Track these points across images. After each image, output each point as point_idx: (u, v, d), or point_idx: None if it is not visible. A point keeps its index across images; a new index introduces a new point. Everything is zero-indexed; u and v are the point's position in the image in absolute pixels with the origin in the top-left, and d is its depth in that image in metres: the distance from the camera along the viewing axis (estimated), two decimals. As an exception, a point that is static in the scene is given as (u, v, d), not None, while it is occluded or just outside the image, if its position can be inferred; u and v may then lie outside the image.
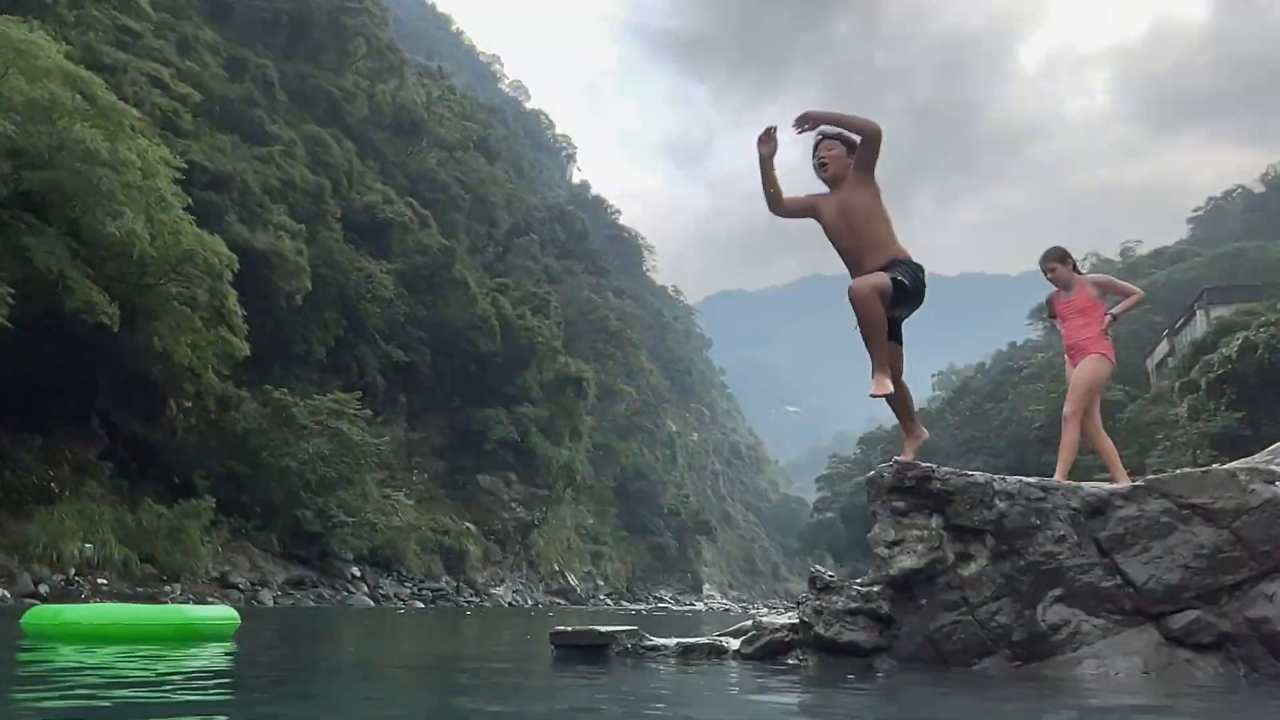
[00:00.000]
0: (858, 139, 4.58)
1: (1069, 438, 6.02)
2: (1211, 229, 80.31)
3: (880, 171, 4.65)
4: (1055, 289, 6.35)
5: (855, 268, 4.65)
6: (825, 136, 4.71)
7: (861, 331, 4.43)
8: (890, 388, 4.47)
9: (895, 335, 4.81)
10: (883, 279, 4.41)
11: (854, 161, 4.59)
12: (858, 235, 4.64)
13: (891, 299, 4.43)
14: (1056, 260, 6.29)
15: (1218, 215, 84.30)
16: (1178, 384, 35.43)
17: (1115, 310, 6.11)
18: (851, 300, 4.38)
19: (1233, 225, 76.29)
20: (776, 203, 4.87)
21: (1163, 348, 49.01)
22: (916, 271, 4.60)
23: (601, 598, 52.96)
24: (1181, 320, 46.59)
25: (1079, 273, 6.30)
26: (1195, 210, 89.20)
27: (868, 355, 4.45)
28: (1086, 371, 6.07)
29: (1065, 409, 6.11)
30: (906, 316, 4.81)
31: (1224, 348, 31.18)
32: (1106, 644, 4.27)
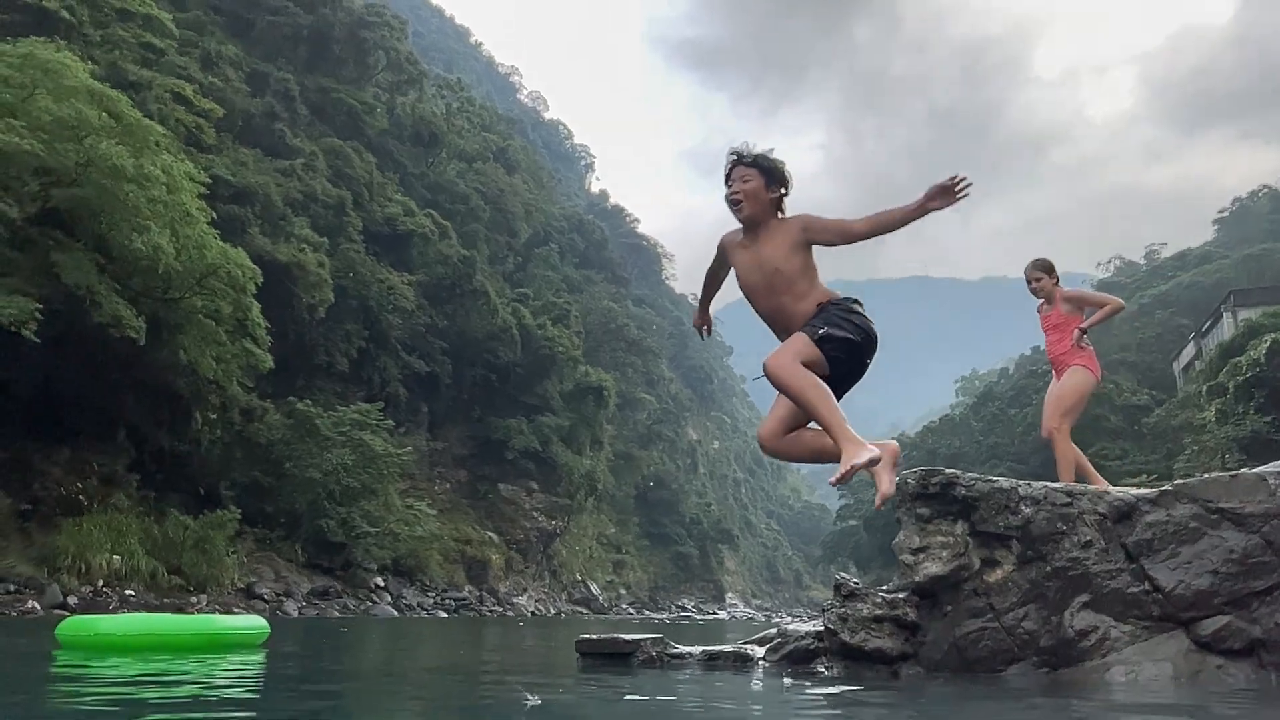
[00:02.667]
0: (780, 168, 3.59)
1: (1064, 451, 6.02)
2: (1238, 230, 79.39)
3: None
4: (1040, 301, 6.39)
5: (781, 331, 3.57)
6: (740, 162, 3.60)
7: (801, 408, 3.34)
8: (873, 450, 3.22)
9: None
10: (802, 345, 3.30)
11: (802, 226, 3.50)
12: (776, 294, 3.54)
13: (829, 355, 3.31)
14: (1042, 271, 6.33)
15: (1244, 216, 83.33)
16: (1205, 387, 35.02)
17: (1084, 324, 6.10)
18: (770, 380, 3.31)
19: (1259, 226, 75.38)
20: (704, 307, 4.15)
21: (1189, 351, 48.48)
22: (851, 312, 3.44)
23: (624, 607, 52.91)
24: (1208, 323, 46.09)
25: (1058, 287, 6.33)
26: (1221, 212, 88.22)
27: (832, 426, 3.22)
28: (1068, 386, 6.09)
29: (1048, 424, 6.10)
30: (862, 375, 3.54)
31: (1252, 350, 30.81)
32: (1135, 650, 4.24)
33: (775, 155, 3.58)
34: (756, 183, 3.53)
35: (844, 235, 3.41)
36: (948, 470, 4.86)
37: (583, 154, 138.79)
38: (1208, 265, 67.57)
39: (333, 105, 45.91)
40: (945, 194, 3.21)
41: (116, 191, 19.56)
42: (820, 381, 3.23)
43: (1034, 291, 6.35)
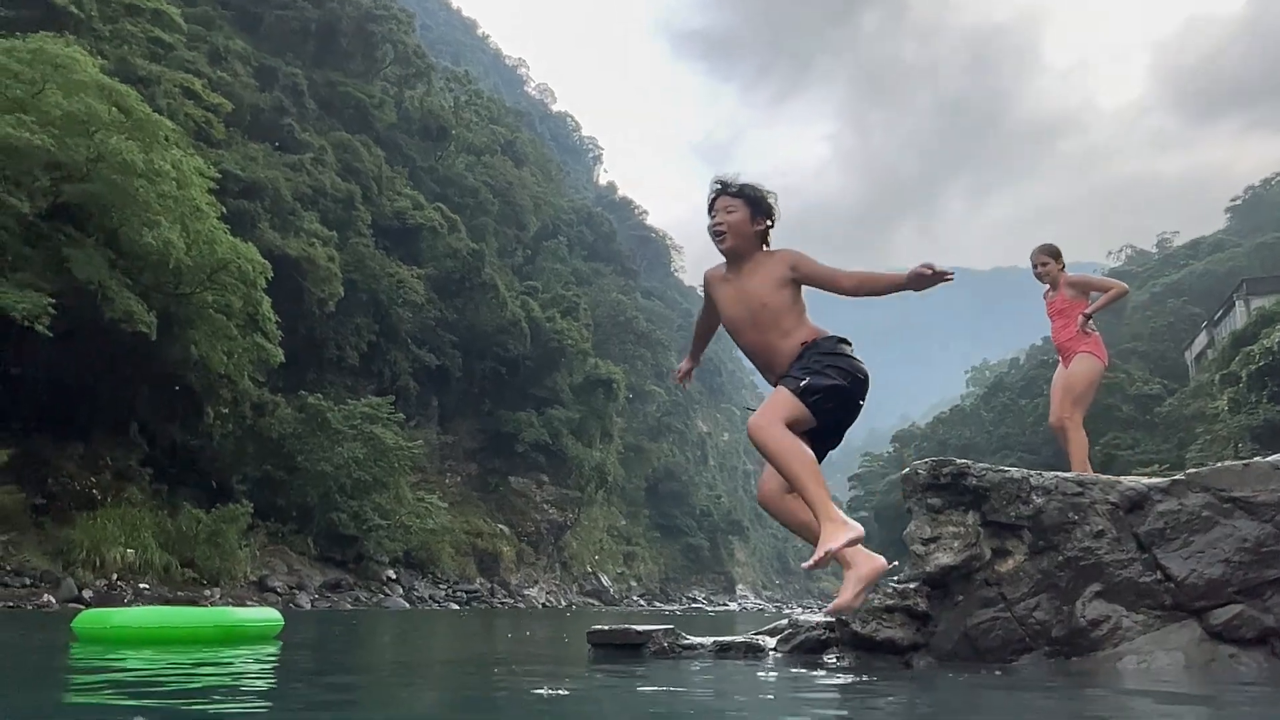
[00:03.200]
0: (766, 199, 3.41)
1: (1077, 440, 5.98)
2: (1250, 219, 78.86)
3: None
4: (1046, 288, 6.35)
5: (765, 369, 3.42)
6: (724, 192, 3.42)
7: (784, 477, 3.14)
8: (858, 528, 3.03)
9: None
10: (785, 402, 3.08)
11: (791, 263, 3.33)
12: (761, 330, 3.36)
13: (816, 407, 3.10)
14: (1048, 256, 6.29)
15: (1257, 204, 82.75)
16: (1217, 376, 34.85)
17: (1089, 309, 6.06)
18: (753, 442, 3.12)
19: (1272, 215, 74.84)
20: (694, 355, 4.03)
21: (1201, 340, 48.25)
22: (836, 355, 3.23)
23: (635, 598, 53.04)
24: (1220, 312, 45.85)
25: (1064, 272, 6.29)
26: (1233, 200, 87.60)
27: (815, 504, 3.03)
28: (1076, 374, 6.05)
29: (1059, 414, 6.05)
30: (855, 416, 3.33)
31: (1265, 339, 30.65)
32: (1147, 640, 4.23)
33: (762, 185, 3.44)
34: (741, 214, 3.38)
35: (831, 283, 3.31)
36: (959, 460, 4.86)
37: (590, 146, 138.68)
38: (1220, 253, 67.19)
39: (341, 99, 45.96)
40: (920, 280, 3.11)
41: (127, 187, 19.64)
42: (805, 451, 3.02)
43: (1039, 276, 6.32)
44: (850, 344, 3.34)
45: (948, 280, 3.06)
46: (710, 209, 3.45)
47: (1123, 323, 62.01)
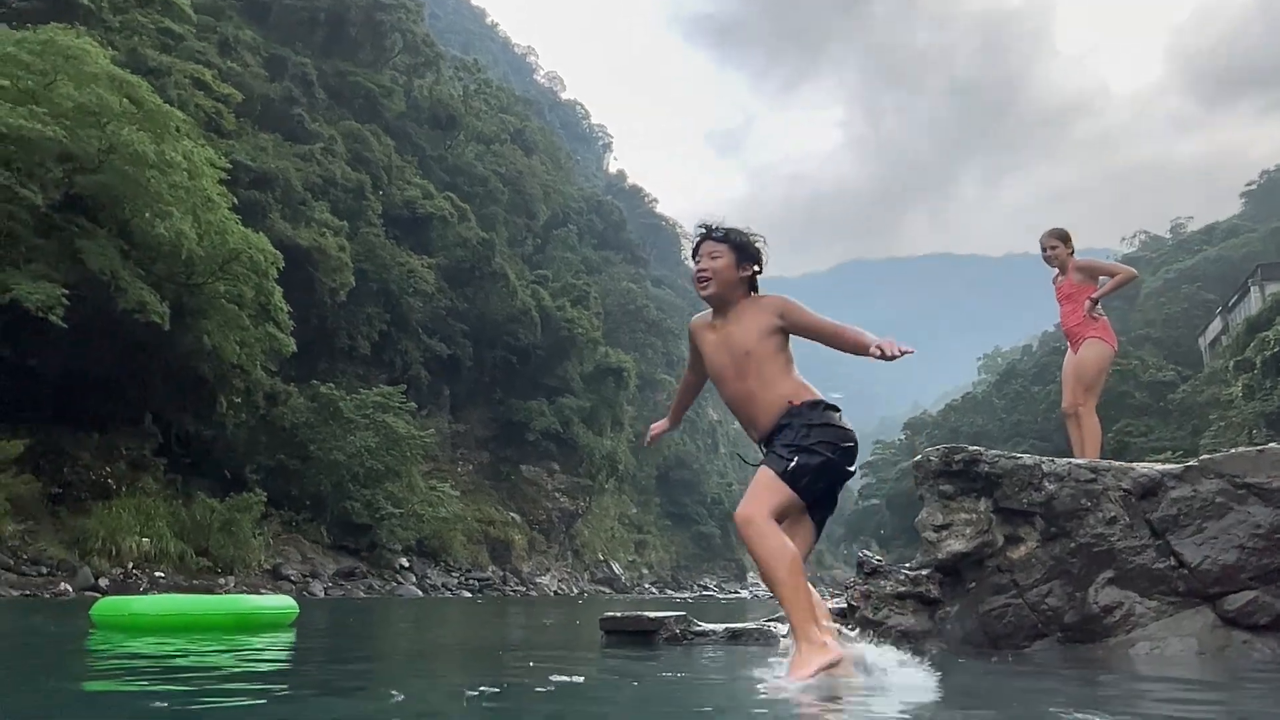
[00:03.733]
0: (753, 245, 3.33)
1: (1090, 426, 5.95)
2: (1266, 203, 78.19)
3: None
4: (1056, 272, 6.33)
5: (747, 423, 3.34)
6: (709, 236, 3.34)
7: (764, 579, 2.97)
8: (836, 652, 2.83)
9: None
10: (772, 489, 2.98)
11: (779, 311, 3.24)
12: (744, 379, 3.25)
13: (805, 490, 3.02)
14: (1057, 239, 6.25)
15: (1272, 189, 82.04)
16: (1232, 362, 34.65)
17: (1096, 294, 6.02)
18: (739, 535, 3.04)
19: (1288, 199, 74.21)
20: (674, 414, 3.92)
21: (1216, 326, 47.96)
22: (824, 425, 3.12)
23: (646, 586, 53.20)
24: (1235, 297, 45.54)
25: (1073, 257, 6.26)
26: (1249, 184, 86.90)
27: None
28: (1086, 360, 6.01)
29: (1072, 401, 6.01)
30: (849, 479, 3.23)
31: None
32: (1160, 626, 4.23)
33: (748, 231, 3.37)
34: (726, 260, 3.28)
35: (818, 332, 3.22)
36: (970, 447, 4.86)
37: (600, 134, 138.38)
38: (1235, 239, 66.68)
39: (350, 89, 45.96)
40: (881, 352, 2.97)
41: (138, 177, 19.71)
42: (792, 557, 2.88)
43: (1048, 260, 6.30)
44: (838, 410, 3.21)
45: (907, 354, 2.98)
46: (694, 254, 3.37)
47: (1135, 309, 61.67)
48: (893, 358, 2.94)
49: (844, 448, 3.12)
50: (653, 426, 3.92)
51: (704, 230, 3.38)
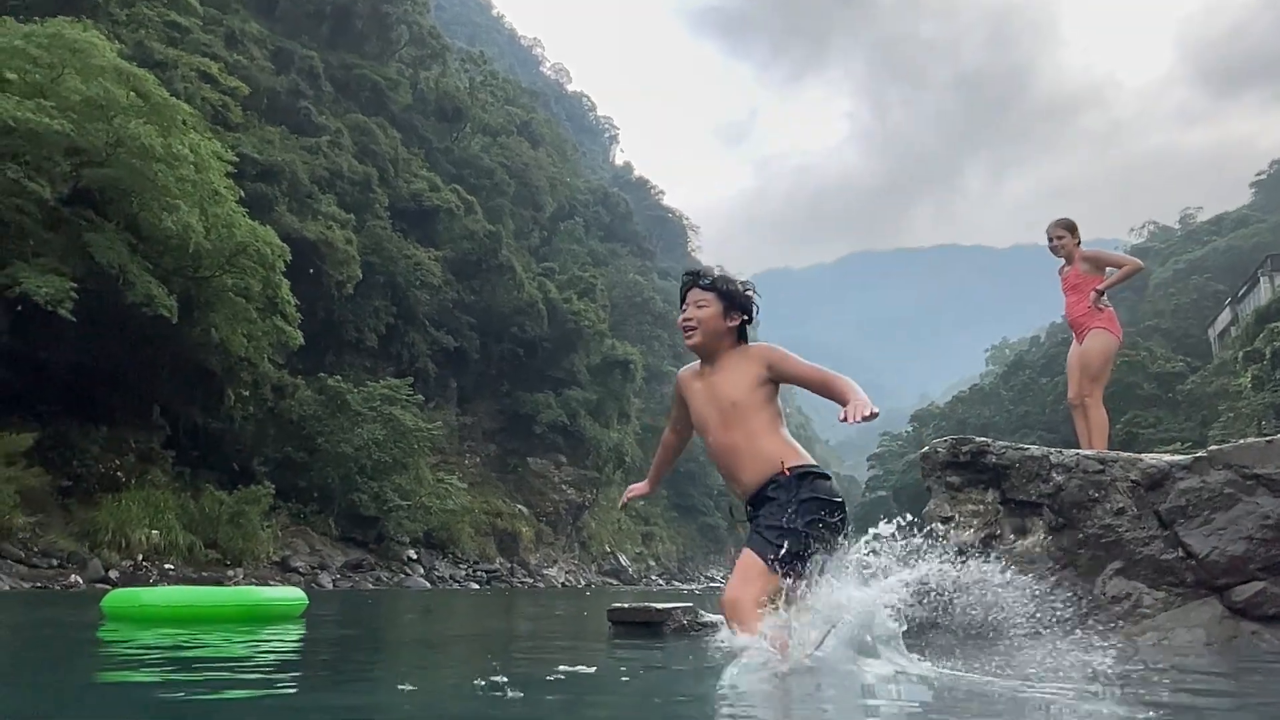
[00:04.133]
0: (742, 293, 3.22)
1: (1097, 418, 5.93)
2: (1276, 193, 77.75)
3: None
4: (1062, 263, 6.31)
5: (730, 478, 3.21)
6: (696, 284, 3.25)
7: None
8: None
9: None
10: (760, 579, 2.92)
11: (768, 363, 3.15)
12: (729, 429, 3.15)
13: (791, 573, 2.94)
14: (1064, 229, 6.23)
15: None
16: (1241, 353, 34.52)
17: (1101, 286, 6.00)
18: (725, 615, 3.01)
19: (1297, 189, 73.79)
20: (652, 478, 3.79)
21: (1225, 316, 47.76)
22: (816, 500, 3.03)
23: (653, 578, 53.30)
24: (1244, 288, 45.33)
25: (1079, 247, 6.24)
26: (1258, 174, 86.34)
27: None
28: (1091, 351, 6.00)
29: (1078, 392, 6.00)
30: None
31: (1289, 315, 30.31)
32: (1168, 617, 4.23)
33: (737, 278, 3.27)
34: (713, 308, 3.18)
35: (806, 381, 3.14)
36: (978, 439, 4.85)
37: (606, 126, 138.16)
38: (1244, 229, 66.36)
39: (357, 81, 45.96)
40: (854, 411, 2.85)
41: (146, 171, 19.76)
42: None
43: (1054, 250, 6.28)
44: (828, 478, 3.12)
45: (871, 419, 2.87)
46: (681, 301, 3.28)
47: (1144, 300, 61.42)
48: (855, 421, 2.86)
49: (831, 522, 3.02)
50: (629, 489, 3.79)
51: (690, 276, 3.30)
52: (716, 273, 3.28)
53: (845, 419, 2.88)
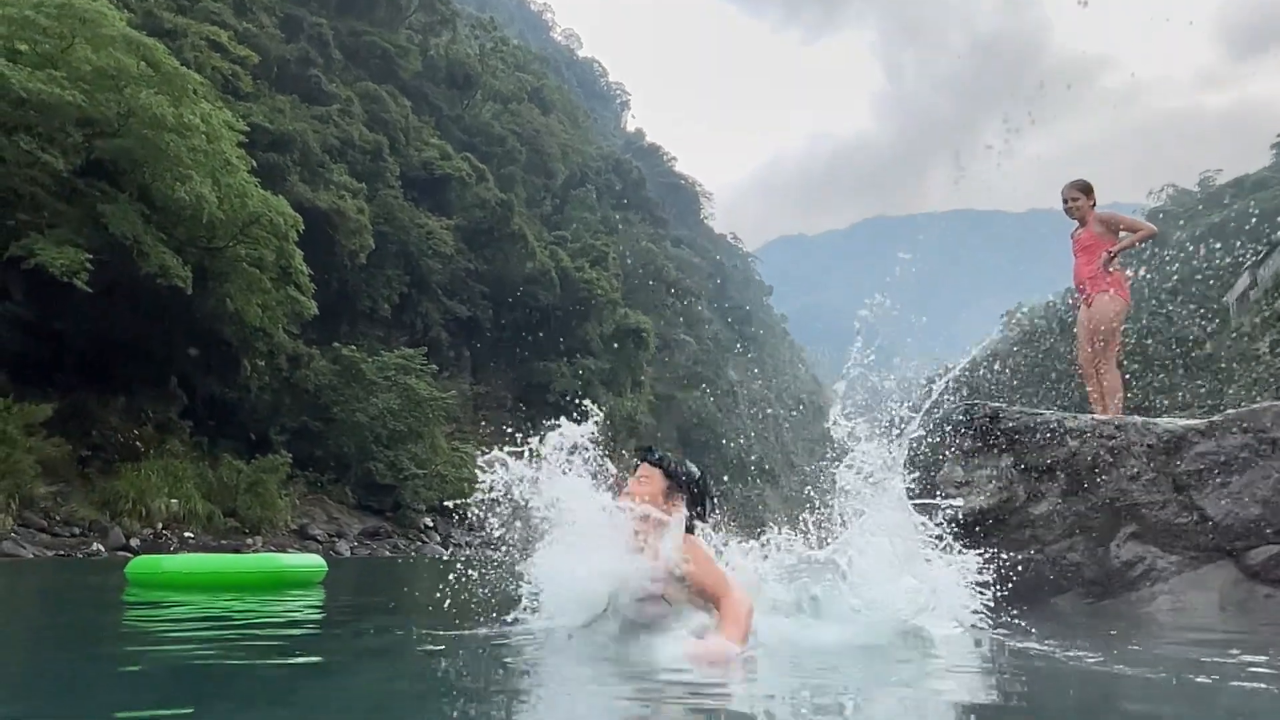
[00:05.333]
0: (687, 482, 3.18)
1: (1112, 381, 5.89)
2: (1296, 155, 76.52)
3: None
4: (1074, 226, 6.25)
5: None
6: (645, 457, 3.24)
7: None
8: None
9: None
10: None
11: (685, 574, 2.96)
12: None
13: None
14: (1079, 191, 6.16)
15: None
16: (1259, 318, 34.18)
17: (1113, 248, 5.94)
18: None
19: (1319, 151, 72.61)
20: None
21: (1243, 281, 47.26)
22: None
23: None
24: (1264, 252, 44.78)
25: (1094, 209, 6.18)
26: (1279, 136, 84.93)
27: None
28: (1101, 315, 5.93)
29: (1087, 357, 5.94)
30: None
31: (1309, 279, 29.96)
32: (1182, 580, 4.24)
33: (691, 465, 3.22)
34: (654, 486, 3.12)
35: (708, 597, 2.96)
36: (992, 404, 4.84)
37: (618, 92, 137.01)
38: (1264, 192, 65.46)
39: (366, 49, 45.66)
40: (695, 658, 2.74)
41: (157, 141, 19.75)
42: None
43: (1069, 212, 6.22)
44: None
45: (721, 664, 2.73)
46: (634, 472, 3.21)
47: (1162, 263, 60.75)
48: (694, 665, 2.71)
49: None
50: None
51: (643, 451, 3.26)
52: (670, 457, 3.22)
53: (685, 653, 2.74)
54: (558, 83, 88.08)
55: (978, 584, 3.30)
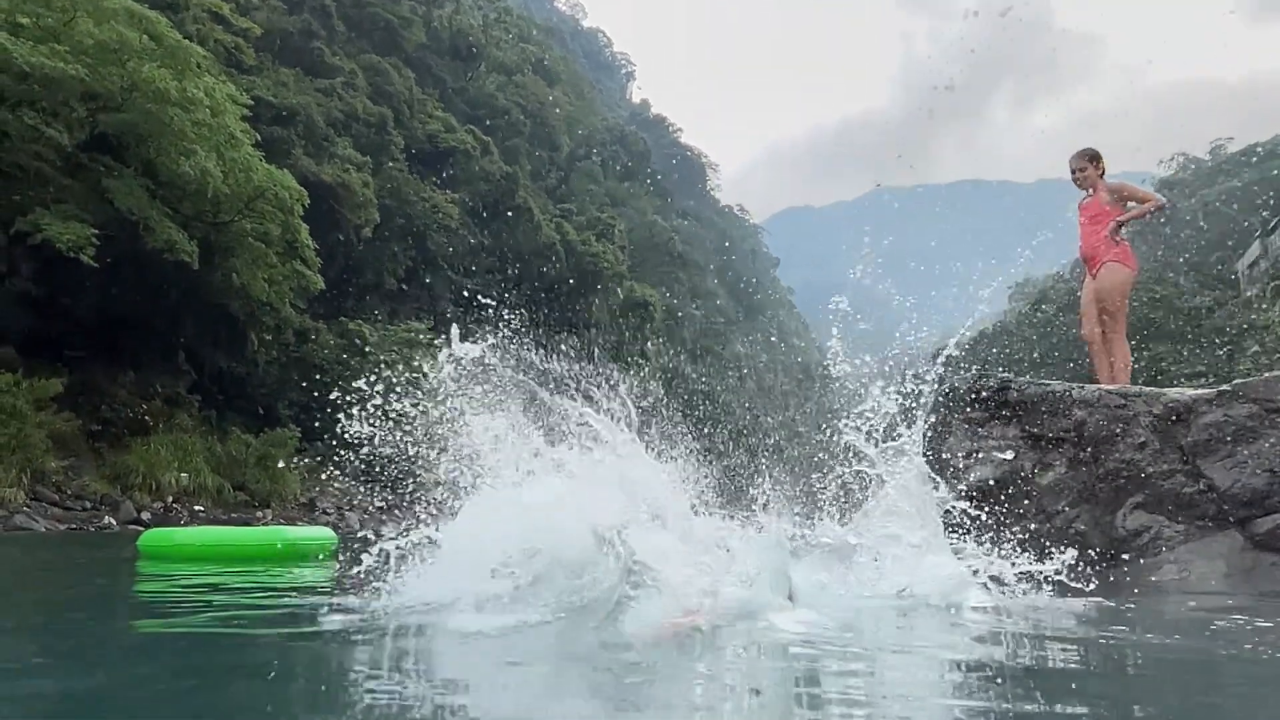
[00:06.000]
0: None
1: (1121, 355, 5.86)
2: (1309, 123, 75.64)
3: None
4: (1082, 195, 6.20)
5: None
6: None
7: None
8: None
9: None
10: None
11: None
12: None
13: None
14: (1087, 161, 6.11)
15: (1316, 108, 79.20)
16: (1269, 287, 33.99)
17: (1121, 218, 5.89)
18: None
19: (1332, 118, 71.73)
20: None
21: (1254, 250, 46.94)
22: None
23: (674, 516, 53.84)
24: (1276, 221, 44.44)
25: (1103, 179, 6.12)
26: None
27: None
28: (1108, 286, 5.90)
29: (1091, 329, 5.91)
30: None
31: (1319, 248, 29.74)
32: (1188, 549, 4.24)
33: None
34: None
35: None
36: (1000, 375, 4.84)
37: (623, 63, 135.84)
38: (1276, 160, 64.81)
39: (369, 20, 45.32)
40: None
41: (161, 115, 19.68)
42: None
43: (1077, 182, 6.17)
44: None
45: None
46: None
47: (1173, 233, 60.37)
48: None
49: None
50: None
51: None
52: None
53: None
54: (562, 54, 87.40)
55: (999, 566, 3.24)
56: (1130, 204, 6.00)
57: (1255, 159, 69.59)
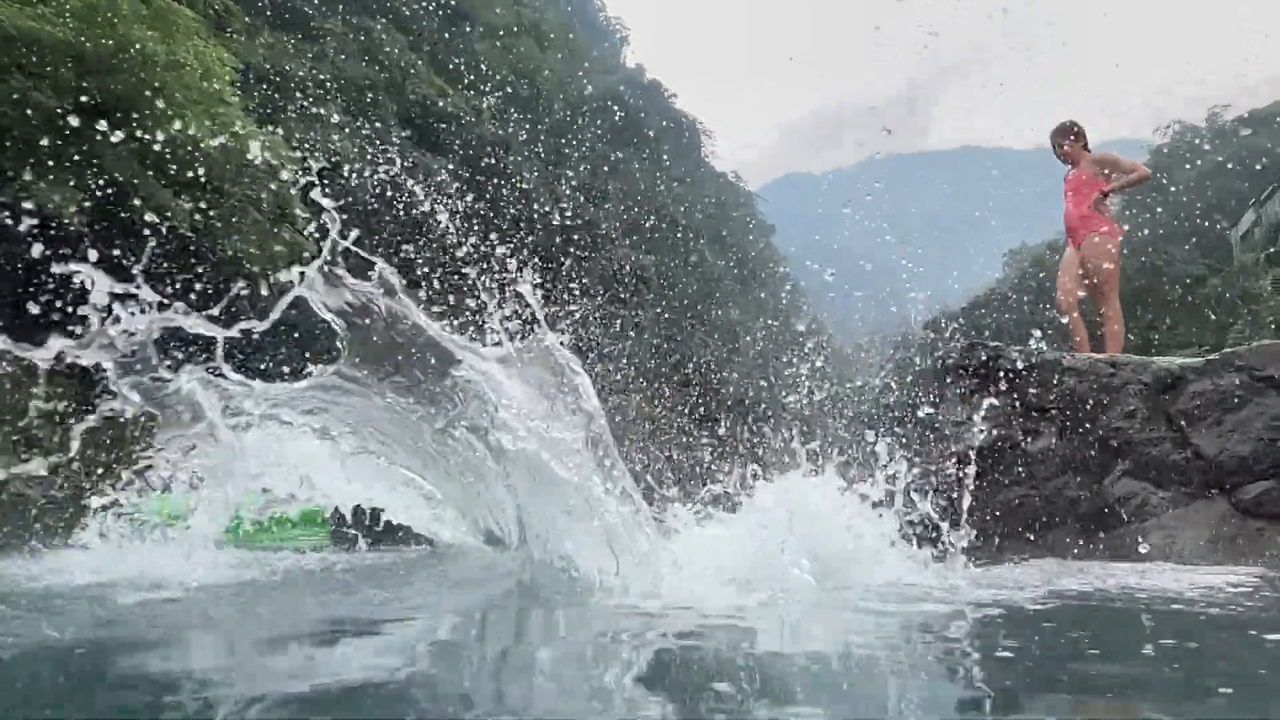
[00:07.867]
0: None
1: (1114, 319, 5.90)
2: (1307, 89, 75.20)
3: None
4: (1069, 168, 6.23)
5: None
6: None
7: None
8: None
9: None
10: None
11: None
12: None
13: None
14: (1067, 135, 6.13)
15: (1314, 74, 78.73)
16: (1263, 256, 34.03)
17: (1107, 187, 5.91)
18: None
19: (1331, 84, 71.33)
20: None
21: (1248, 218, 46.94)
22: None
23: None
24: (1271, 188, 44.40)
25: (1087, 150, 6.14)
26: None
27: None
28: (1097, 256, 5.93)
29: (1068, 298, 5.95)
30: None
31: (1314, 216, 29.74)
32: (1174, 516, 4.31)
33: None
34: None
35: None
36: (992, 343, 4.87)
37: (617, 26, 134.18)
38: (1273, 127, 64.53)
39: (360, -17, 44.70)
40: None
41: (151, 79, 19.47)
42: None
43: (1061, 158, 6.20)
44: None
45: None
46: None
47: (1167, 201, 60.26)
48: None
49: None
50: None
51: None
52: None
53: None
54: (557, 18, 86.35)
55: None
56: (1115, 175, 6.01)
57: (1252, 128, 69.26)
